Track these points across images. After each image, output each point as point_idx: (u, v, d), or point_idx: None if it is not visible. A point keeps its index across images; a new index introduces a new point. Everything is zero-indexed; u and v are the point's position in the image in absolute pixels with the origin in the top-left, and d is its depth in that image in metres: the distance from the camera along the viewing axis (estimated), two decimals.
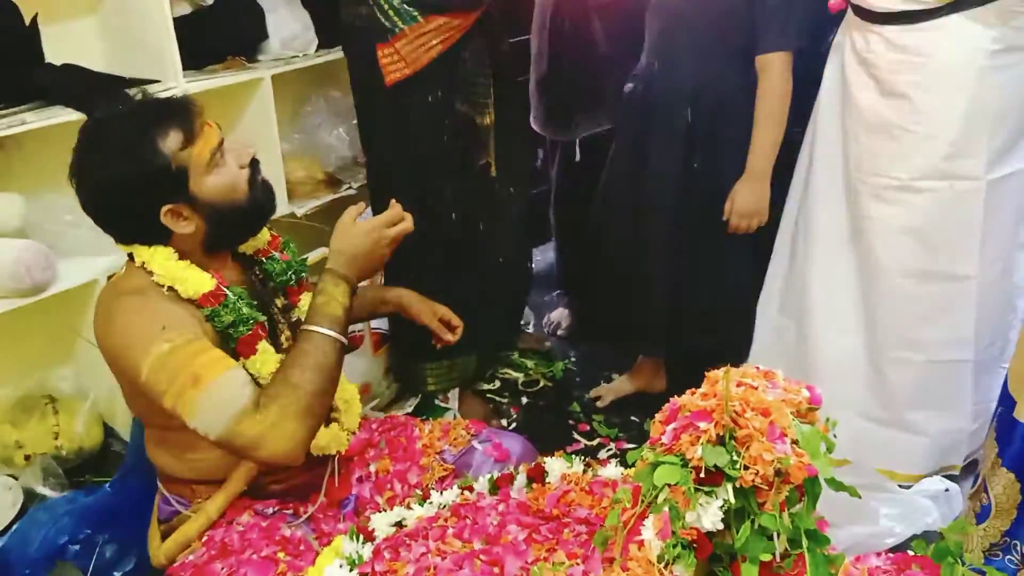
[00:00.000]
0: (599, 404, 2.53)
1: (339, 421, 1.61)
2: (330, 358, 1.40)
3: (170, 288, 1.42)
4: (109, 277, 1.51)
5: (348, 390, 1.65)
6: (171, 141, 1.37)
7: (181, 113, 1.40)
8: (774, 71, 1.97)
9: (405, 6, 1.96)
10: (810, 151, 2.04)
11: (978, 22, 1.71)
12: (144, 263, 1.43)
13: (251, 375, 1.43)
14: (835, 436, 1.10)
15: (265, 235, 1.60)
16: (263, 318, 1.50)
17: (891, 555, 1.41)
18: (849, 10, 1.91)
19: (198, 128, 1.40)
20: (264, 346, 1.48)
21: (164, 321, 1.36)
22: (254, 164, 1.49)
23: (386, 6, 1.97)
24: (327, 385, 1.39)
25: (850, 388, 2.02)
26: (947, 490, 1.86)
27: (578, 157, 2.53)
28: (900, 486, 1.95)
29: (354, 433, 1.66)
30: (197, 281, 1.42)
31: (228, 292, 1.46)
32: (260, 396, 1.34)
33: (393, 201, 1.56)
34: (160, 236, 1.43)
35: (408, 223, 1.55)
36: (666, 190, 2.18)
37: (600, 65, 2.44)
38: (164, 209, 1.39)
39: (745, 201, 2.06)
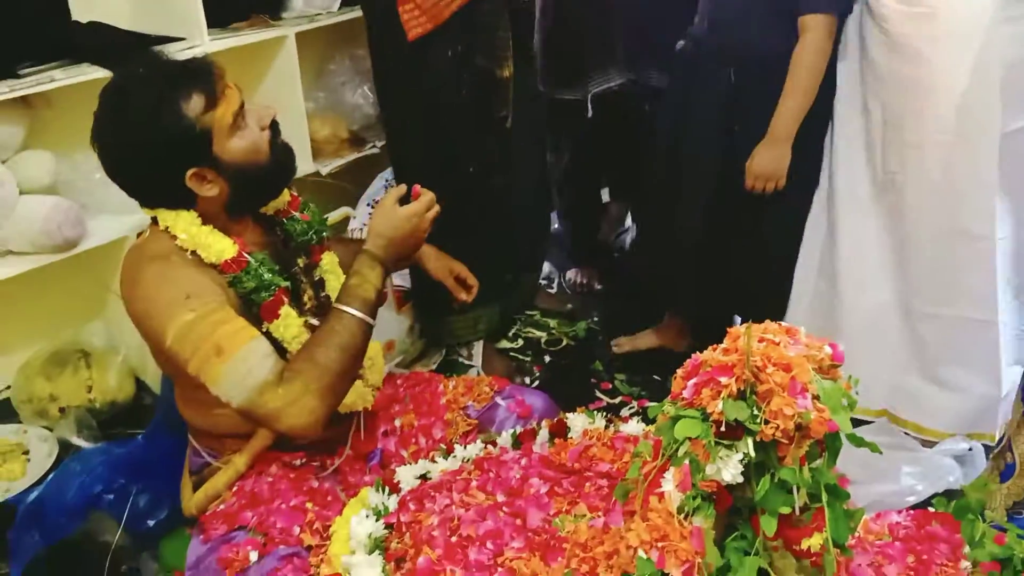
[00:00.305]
0: (615, 350, 2.55)
1: (364, 378, 1.63)
2: (357, 339, 1.41)
3: (193, 253, 1.43)
4: (139, 235, 1.52)
5: (372, 347, 1.66)
6: (194, 104, 1.37)
7: (203, 76, 1.40)
8: (811, 34, 1.92)
9: None
10: (840, 117, 2.02)
11: None
12: (168, 227, 1.44)
13: (275, 340, 1.45)
14: (857, 393, 1.11)
15: (285, 195, 1.61)
16: (285, 283, 1.51)
17: (912, 512, 1.42)
18: None
19: (220, 91, 1.40)
20: (287, 311, 1.49)
21: (188, 289, 1.38)
22: (274, 126, 1.49)
23: None
24: (351, 365, 1.41)
25: (884, 343, 2.02)
26: (970, 449, 1.86)
27: (590, 113, 2.49)
28: (925, 443, 1.95)
29: (379, 389, 1.69)
30: (220, 247, 1.44)
31: (250, 258, 1.47)
32: (284, 369, 1.36)
33: (417, 186, 1.56)
34: (185, 200, 1.44)
35: (437, 207, 1.56)
36: (706, 151, 2.16)
37: (609, 16, 2.39)
38: (189, 173, 1.39)
39: (762, 163, 2.04)
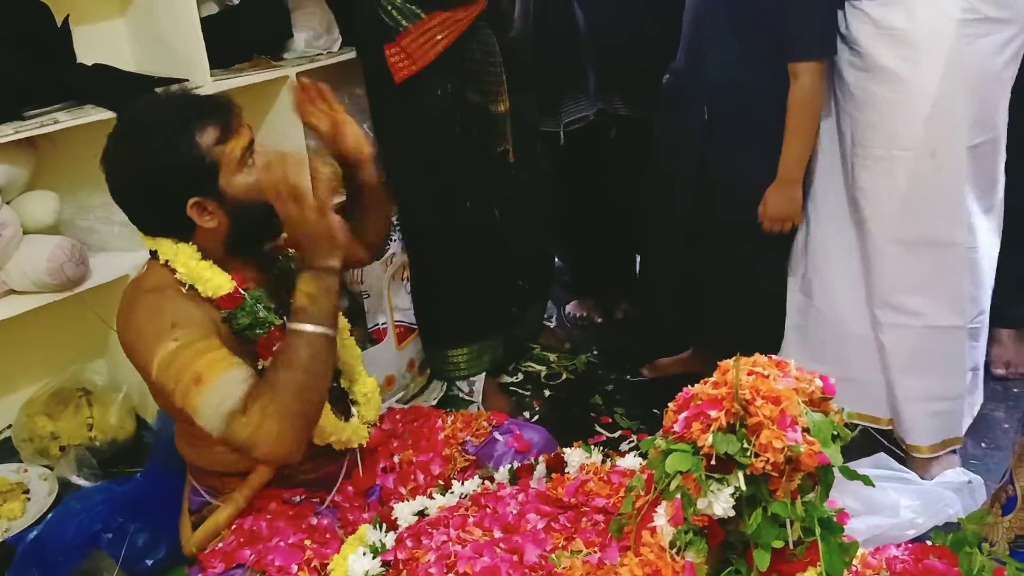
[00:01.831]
0: (646, 375, 2.58)
1: (359, 414, 1.64)
2: (299, 353, 1.35)
3: (190, 287, 1.45)
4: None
5: (367, 384, 1.67)
6: (207, 135, 1.41)
7: (220, 110, 1.44)
8: (803, 79, 1.93)
9: (408, 4, 1.97)
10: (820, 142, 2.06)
11: None
12: (168, 260, 1.46)
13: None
14: (847, 421, 1.11)
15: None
16: (280, 321, 1.52)
17: (909, 545, 1.42)
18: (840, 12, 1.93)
19: (235, 127, 1.44)
20: None
21: (174, 319, 1.38)
22: None
23: (389, 6, 1.98)
24: (305, 379, 1.34)
25: (871, 357, 2.05)
26: (970, 482, 1.85)
27: (562, 141, 2.52)
28: (923, 475, 1.95)
29: (374, 425, 1.69)
30: (217, 283, 1.45)
31: (246, 295, 1.48)
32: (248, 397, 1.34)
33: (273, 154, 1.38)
34: (183, 230, 1.46)
35: (293, 182, 1.36)
36: (679, 186, 2.19)
37: (582, 51, 2.44)
38: (191, 201, 1.42)
39: (776, 206, 2.07)
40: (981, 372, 2.12)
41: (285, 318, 1.57)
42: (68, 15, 2.06)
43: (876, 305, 2.01)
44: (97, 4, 2.18)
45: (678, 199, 2.21)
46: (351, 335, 1.72)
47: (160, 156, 1.39)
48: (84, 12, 2.13)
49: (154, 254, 1.49)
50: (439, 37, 1.99)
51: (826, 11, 1.90)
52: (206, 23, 2.10)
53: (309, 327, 1.37)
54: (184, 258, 1.46)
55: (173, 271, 1.45)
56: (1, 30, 1.93)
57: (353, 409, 1.64)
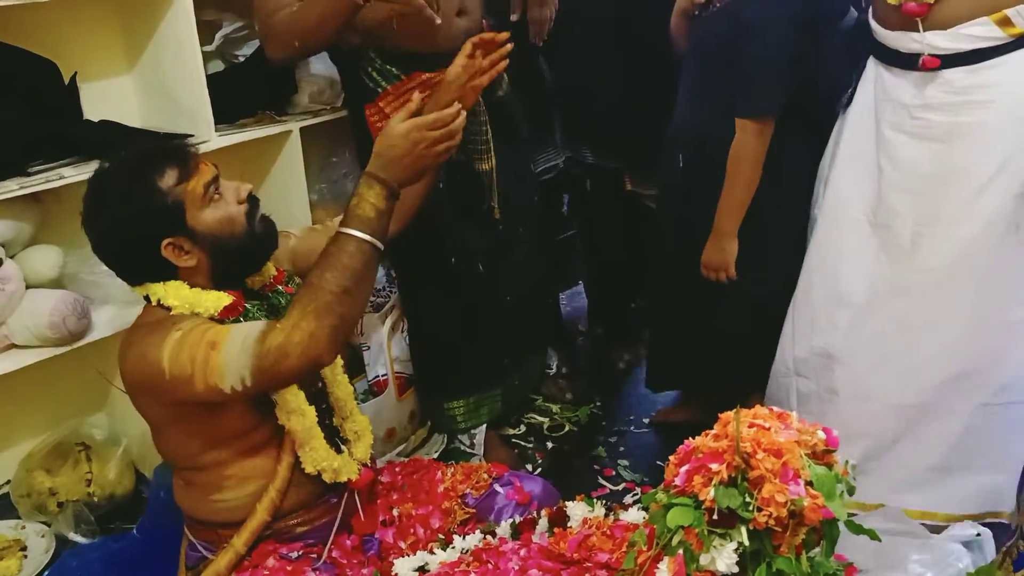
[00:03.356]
0: (655, 418, 2.59)
1: (350, 451, 1.62)
2: (355, 258, 1.38)
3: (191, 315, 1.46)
4: None
5: (359, 422, 1.66)
6: (167, 178, 1.44)
7: (176, 153, 1.48)
8: (744, 135, 1.97)
9: (387, 66, 2.00)
10: (834, 213, 1.99)
11: None
12: (159, 299, 1.48)
13: None
14: (854, 479, 1.09)
15: (271, 270, 1.64)
16: None
17: None
18: (878, 74, 1.88)
19: (193, 166, 1.47)
20: None
21: (174, 323, 1.42)
22: (252, 200, 1.54)
23: (369, 67, 2.01)
24: (350, 284, 1.37)
25: (885, 439, 1.99)
26: (979, 535, 1.82)
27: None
28: (933, 528, 1.92)
29: (365, 464, 1.66)
30: (215, 299, 1.47)
31: (247, 304, 1.51)
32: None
33: (452, 105, 1.49)
34: (166, 273, 1.48)
35: (458, 122, 1.49)
36: (666, 233, 2.23)
37: (548, 101, 2.48)
38: (164, 243, 1.44)
39: (708, 256, 2.09)
40: None
41: None
42: (76, 72, 2.09)
43: (929, 386, 1.90)
44: (105, 61, 2.22)
45: (665, 248, 2.25)
46: (343, 372, 1.70)
47: (125, 206, 1.43)
48: (92, 69, 2.17)
49: (147, 299, 1.51)
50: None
51: (771, 73, 1.92)
52: (212, 79, 2.13)
53: (367, 236, 1.40)
54: (174, 291, 1.48)
55: (168, 309, 1.47)
56: (9, 87, 1.96)
57: (344, 447, 1.63)
